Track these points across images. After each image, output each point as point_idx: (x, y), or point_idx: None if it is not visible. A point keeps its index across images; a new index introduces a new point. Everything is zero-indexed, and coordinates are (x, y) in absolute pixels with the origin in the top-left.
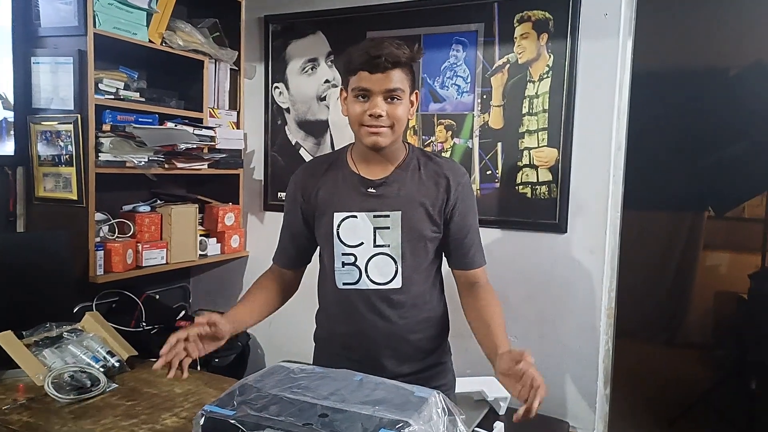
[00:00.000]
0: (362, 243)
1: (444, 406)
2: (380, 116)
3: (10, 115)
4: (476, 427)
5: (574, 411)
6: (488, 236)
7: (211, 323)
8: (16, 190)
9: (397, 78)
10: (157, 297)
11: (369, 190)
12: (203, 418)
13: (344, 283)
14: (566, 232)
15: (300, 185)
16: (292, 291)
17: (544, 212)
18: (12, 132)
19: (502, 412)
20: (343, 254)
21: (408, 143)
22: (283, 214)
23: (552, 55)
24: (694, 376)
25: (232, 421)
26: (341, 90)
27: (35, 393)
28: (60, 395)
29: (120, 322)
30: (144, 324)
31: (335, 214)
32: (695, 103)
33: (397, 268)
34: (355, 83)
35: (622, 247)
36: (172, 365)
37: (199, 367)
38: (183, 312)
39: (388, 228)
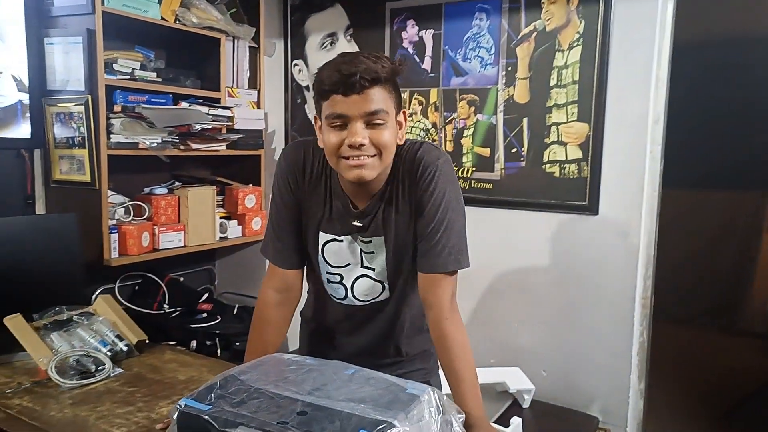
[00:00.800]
0: (348, 264)
1: (438, 404)
2: (362, 145)
3: (25, 98)
4: (496, 420)
5: (604, 406)
6: (513, 218)
7: None
8: (34, 172)
9: (378, 98)
10: (182, 279)
11: (354, 223)
12: (177, 412)
13: (333, 296)
14: (597, 213)
15: (293, 168)
16: (299, 297)
17: (574, 192)
18: (28, 114)
19: (525, 405)
20: (329, 273)
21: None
22: (272, 203)
23: (583, 21)
24: (749, 367)
25: (205, 417)
26: (315, 118)
27: (40, 377)
28: (63, 380)
29: (143, 305)
30: (166, 306)
31: (321, 233)
32: (741, 73)
33: (383, 288)
34: (328, 109)
35: (660, 229)
36: None
37: (219, 352)
38: (207, 295)
39: (373, 252)
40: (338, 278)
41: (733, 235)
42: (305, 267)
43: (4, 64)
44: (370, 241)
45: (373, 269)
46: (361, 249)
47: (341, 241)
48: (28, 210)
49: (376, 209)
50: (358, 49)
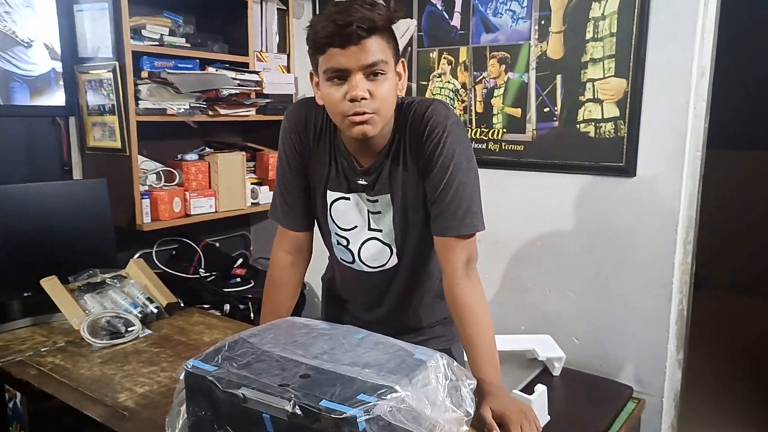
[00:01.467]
0: (356, 227)
1: (446, 371)
2: (363, 98)
3: (58, 66)
4: (522, 388)
5: (639, 375)
6: (545, 181)
7: None
8: (69, 139)
9: (376, 47)
10: (217, 245)
11: (359, 181)
12: (184, 373)
13: (342, 259)
14: (635, 175)
15: (297, 128)
16: (309, 258)
17: (610, 153)
18: (61, 82)
19: (556, 373)
20: (337, 235)
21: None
22: (278, 165)
23: None
24: None
25: (210, 378)
26: (311, 74)
27: (74, 336)
28: (94, 340)
29: (179, 269)
30: (202, 271)
31: (328, 192)
32: None
33: (391, 252)
34: (325, 63)
35: (704, 192)
36: None
37: (252, 315)
38: (241, 260)
39: (380, 212)
40: (345, 242)
41: None
42: (314, 228)
43: (36, 32)
44: (377, 200)
45: (380, 231)
46: (368, 210)
47: (348, 199)
48: (65, 176)
49: (381, 166)
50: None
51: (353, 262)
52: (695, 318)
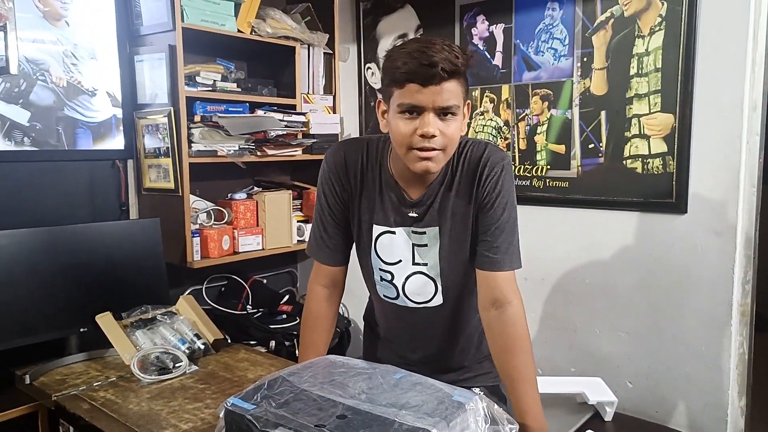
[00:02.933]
0: (400, 261)
1: (486, 413)
2: (433, 136)
3: (118, 112)
4: None
5: (698, 422)
6: (592, 218)
7: None
8: (127, 181)
9: (453, 91)
10: (264, 282)
11: (410, 213)
12: (224, 411)
13: (385, 296)
14: (686, 212)
15: (337, 170)
16: (342, 292)
17: (659, 189)
18: (121, 128)
19: (608, 418)
20: (381, 270)
21: None
22: (316, 205)
23: (665, 3)
24: None
25: (248, 417)
26: (379, 102)
27: (126, 371)
28: (143, 375)
29: (227, 305)
30: (249, 307)
31: (375, 226)
32: None
33: (436, 288)
34: (402, 98)
35: (761, 228)
36: None
37: (297, 352)
38: (287, 296)
39: (426, 245)
40: (389, 276)
41: None
42: (348, 263)
43: (99, 81)
44: (425, 233)
45: (425, 264)
46: (413, 243)
47: (394, 233)
48: (122, 216)
49: (432, 199)
50: None
51: (397, 297)
52: (760, 362)
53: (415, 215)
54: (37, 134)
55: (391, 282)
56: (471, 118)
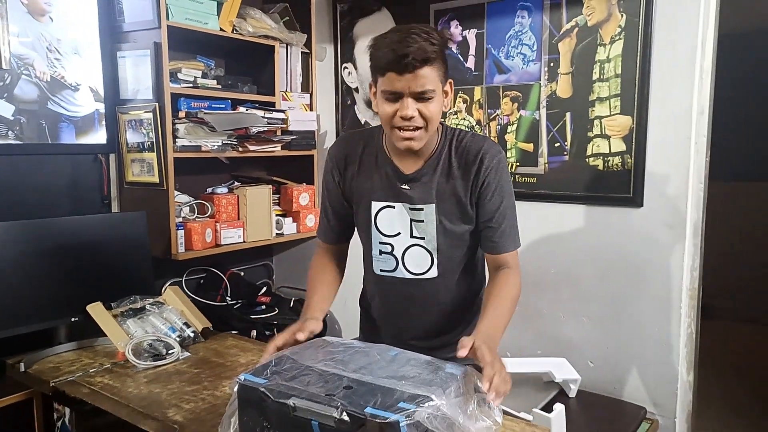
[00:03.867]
0: (399, 233)
1: (476, 383)
2: (412, 117)
3: (101, 107)
4: (542, 408)
5: (652, 397)
6: (557, 212)
7: (311, 332)
8: (110, 175)
9: (428, 77)
10: (242, 274)
11: (403, 186)
12: (237, 386)
13: (381, 270)
14: (642, 205)
15: (336, 162)
16: (344, 265)
17: (618, 185)
18: (103, 122)
19: (572, 394)
20: (381, 243)
21: (441, 124)
22: (322, 192)
23: (624, 15)
24: None
25: (262, 389)
26: (370, 85)
27: (118, 359)
28: (138, 361)
29: (207, 297)
30: (228, 299)
31: (373, 202)
32: None
33: (432, 260)
34: (384, 85)
35: (708, 222)
36: None
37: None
38: (265, 288)
39: (423, 221)
40: (389, 248)
41: None
42: (349, 241)
43: (82, 77)
44: (422, 209)
45: (422, 238)
46: (411, 218)
47: (393, 207)
48: (104, 209)
49: (425, 177)
50: None
51: (395, 269)
52: (707, 346)
53: (407, 187)
54: (22, 128)
55: (391, 254)
56: (444, 117)
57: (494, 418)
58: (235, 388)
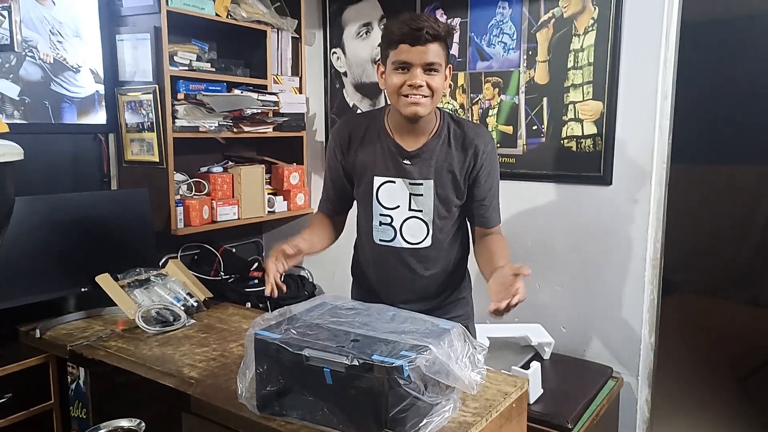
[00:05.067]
0: (398, 206)
1: (466, 338)
2: (420, 86)
3: (101, 88)
4: (520, 366)
5: (618, 357)
6: (534, 190)
7: (298, 251)
8: (109, 154)
9: (436, 51)
10: (234, 250)
11: (404, 161)
12: (255, 340)
13: (381, 240)
14: (611, 184)
15: (339, 141)
16: (339, 233)
17: (589, 165)
18: (103, 103)
19: (546, 356)
20: (381, 215)
21: (439, 110)
22: (325, 171)
23: (597, 8)
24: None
25: (278, 342)
26: (378, 65)
27: (128, 326)
28: (148, 327)
29: (201, 272)
30: (222, 274)
31: (375, 177)
32: (746, 52)
33: (428, 231)
34: (395, 56)
35: (670, 201)
36: (275, 286)
37: (270, 311)
38: (256, 264)
39: (422, 195)
40: (388, 219)
41: (756, 210)
42: (347, 213)
43: (83, 59)
44: (421, 184)
45: (420, 210)
46: (410, 193)
47: (394, 182)
48: (103, 187)
49: (427, 155)
50: None
51: (393, 239)
52: (668, 316)
53: (409, 163)
54: (27, 108)
55: (390, 224)
56: None
57: (479, 369)
58: (252, 342)
